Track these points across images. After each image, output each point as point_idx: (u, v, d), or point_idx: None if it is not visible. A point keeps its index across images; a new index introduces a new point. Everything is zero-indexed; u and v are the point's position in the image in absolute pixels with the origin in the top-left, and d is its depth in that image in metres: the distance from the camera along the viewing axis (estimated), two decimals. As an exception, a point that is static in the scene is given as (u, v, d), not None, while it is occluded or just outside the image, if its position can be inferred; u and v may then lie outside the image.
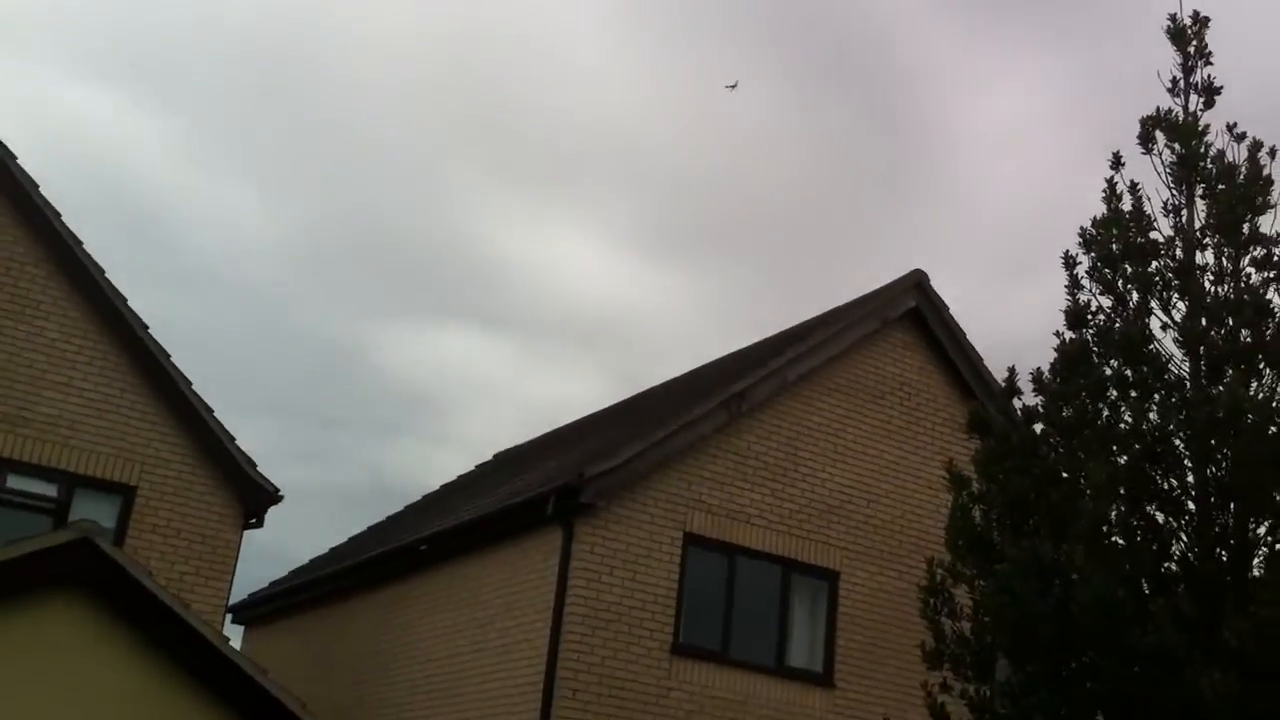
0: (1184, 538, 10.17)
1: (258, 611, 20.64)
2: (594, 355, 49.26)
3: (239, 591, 18.06)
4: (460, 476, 22.94)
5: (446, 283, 48.52)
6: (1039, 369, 11.03)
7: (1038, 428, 11.02)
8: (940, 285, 17.09)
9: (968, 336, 17.14)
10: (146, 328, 14.02)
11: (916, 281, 17.18)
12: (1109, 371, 10.77)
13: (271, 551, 29.85)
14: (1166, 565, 10.16)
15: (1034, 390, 10.99)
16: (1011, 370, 11.42)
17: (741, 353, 18.89)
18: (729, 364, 18.48)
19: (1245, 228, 10.85)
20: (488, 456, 23.74)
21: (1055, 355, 10.99)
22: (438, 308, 50.31)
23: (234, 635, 20.18)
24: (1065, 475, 10.36)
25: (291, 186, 47.63)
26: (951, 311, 17.12)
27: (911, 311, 17.10)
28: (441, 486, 22.80)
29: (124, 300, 14.00)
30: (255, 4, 43.24)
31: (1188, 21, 11.77)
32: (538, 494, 14.38)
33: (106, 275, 14.00)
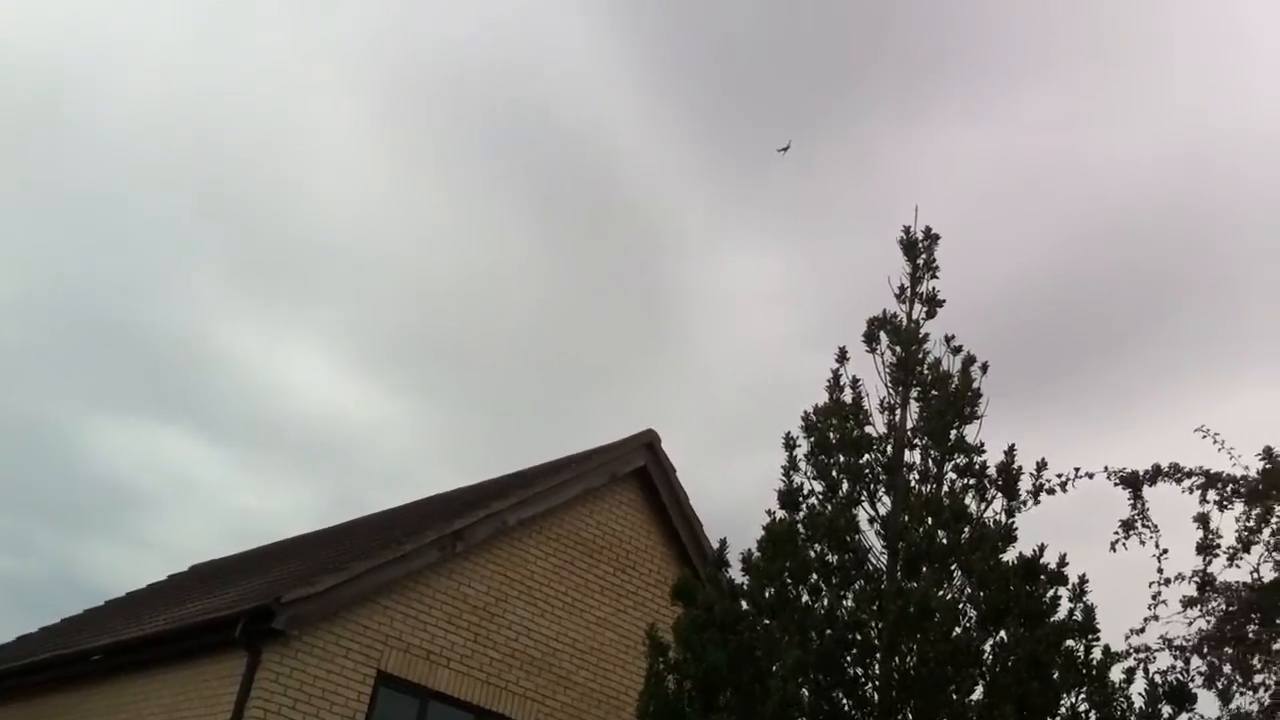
0: (866, 727, 10.37)
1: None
2: (313, 473, 47.72)
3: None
4: (152, 585, 21.54)
5: (169, 379, 46.28)
6: (749, 549, 11.20)
7: (743, 603, 11.13)
8: (674, 444, 17.37)
9: (691, 502, 17.39)
10: None
11: (648, 441, 17.39)
12: (813, 555, 11.03)
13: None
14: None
15: (741, 568, 11.14)
16: (723, 542, 11.57)
17: (464, 490, 18.59)
18: (450, 500, 18.14)
19: (952, 434, 11.43)
20: (185, 567, 22.44)
21: (764, 533, 11.20)
22: (157, 404, 47.85)
23: None
24: (759, 654, 10.45)
25: (10, 256, 44.81)
26: (679, 475, 17.38)
27: (640, 470, 17.26)
28: (128, 594, 21.33)
29: None
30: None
31: (920, 235, 12.54)
32: (227, 614, 13.57)
33: None
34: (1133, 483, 10.34)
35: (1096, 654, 10.27)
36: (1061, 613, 10.52)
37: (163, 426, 45.73)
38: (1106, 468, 10.80)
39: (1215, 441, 9.82)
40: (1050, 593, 10.58)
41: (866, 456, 11.51)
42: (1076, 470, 10.90)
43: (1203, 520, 9.86)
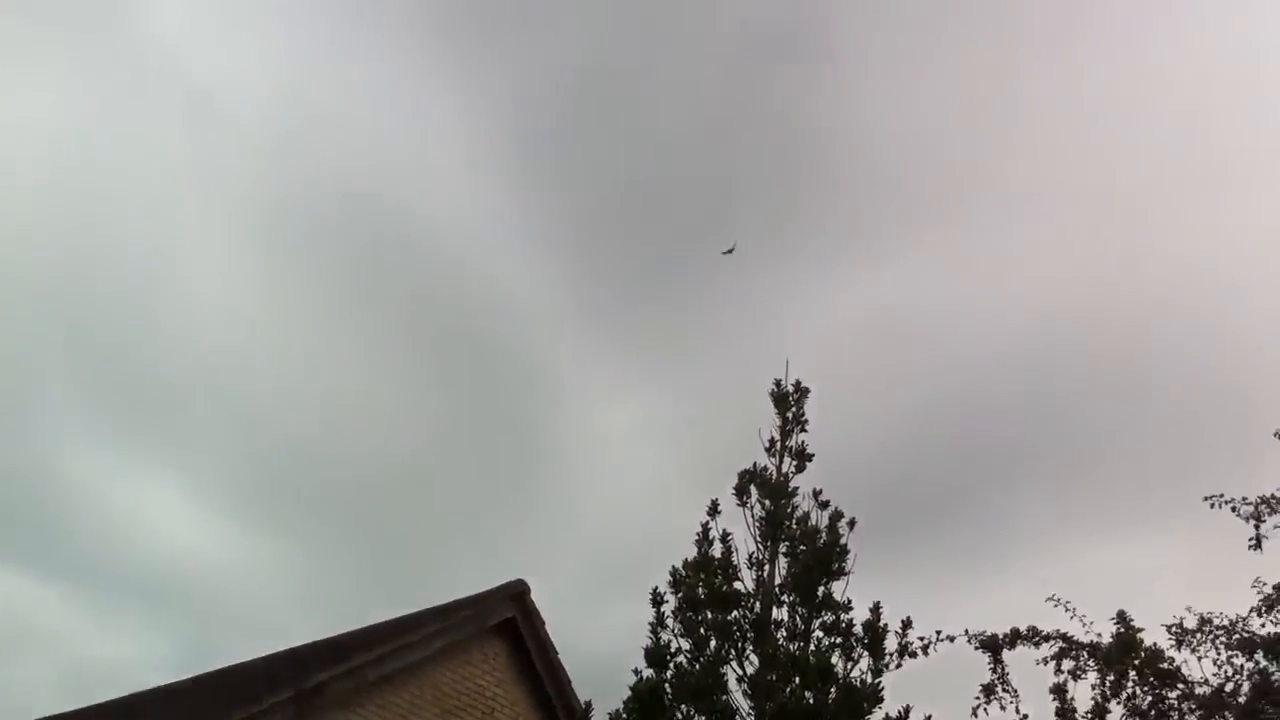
0: None
1: None
2: (167, 618, 45.49)
3: None
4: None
5: (6, 514, 43.96)
6: (616, 709, 10.93)
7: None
8: (544, 592, 16.97)
9: (560, 655, 16.94)
10: None
11: (517, 592, 16.93)
12: (680, 716, 10.80)
13: None
14: None
15: (606, 731, 10.85)
16: (588, 705, 11.28)
17: (325, 642, 17.89)
18: (310, 652, 17.42)
19: (820, 591, 11.38)
20: (23, 721, 21.11)
21: (630, 693, 10.96)
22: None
23: None
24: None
25: None
26: (549, 626, 16.95)
27: (509, 621, 16.80)
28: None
29: None
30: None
31: (790, 389, 12.66)
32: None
33: None
34: (992, 646, 10.35)
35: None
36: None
37: None
38: (967, 631, 10.79)
39: (1067, 610, 9.93)
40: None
41: (735, 613, 11.42)
42: (938, 633, 10.86)
43: (1059, 691, 9.90)
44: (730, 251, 19.11)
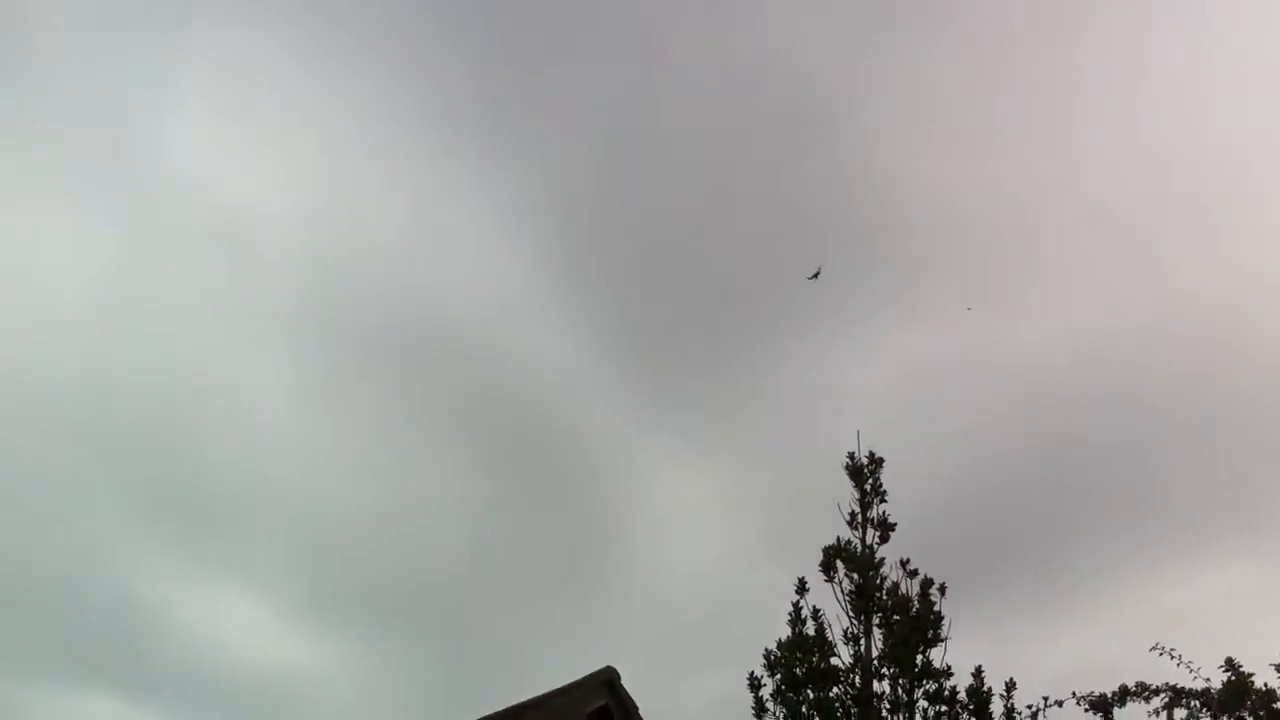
0: None
1: None
2: (258, 729, 45.83)
3: None
4: None
5: (89, 639, 44.41)
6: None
7: None
8: (627, 672, 16.98)
9: (652, 738, 16.93)
10: None
11: (607, 679, 16.99)
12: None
13: None
14: None
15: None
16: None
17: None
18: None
19: (918, 660, 11.38)
20: None
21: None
22: (77, 668, 45.78)
23: None
24: None
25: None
26: (641, 711, 16.96)
27: (602, 710, 16.83)
28: None
29: None
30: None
31: (865, 460, 12.74)
32: None
33: None
34: (1102, 706, 10.33)
35: None
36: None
37: (84, 693, 43.87)
38: (1074, 693, 10.77)
39: (1173, 658, 9.92)
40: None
41: (836, 690, 11.42)
42: (1045, 700, 10.84)
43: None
44: (816, 276, 18.69)
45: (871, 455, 12.77)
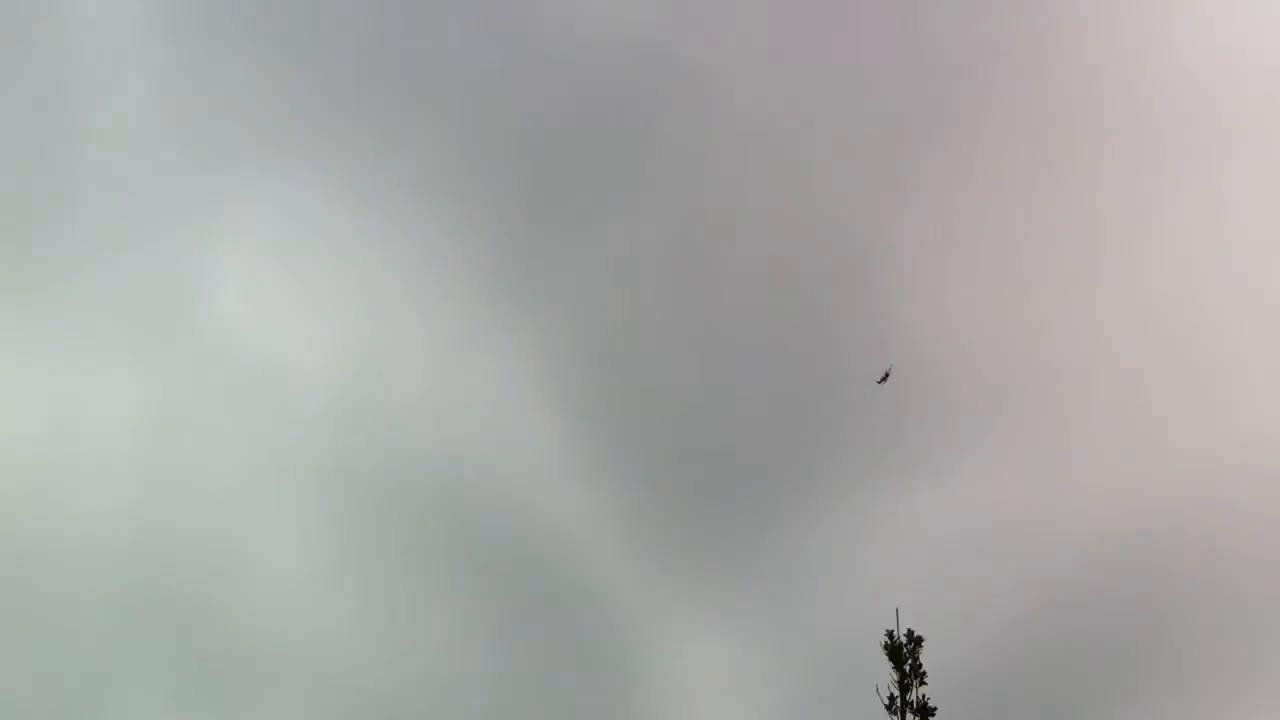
0: None
1: None
2: None
3: None
4: None
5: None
6: None
7: None
8: None
9: None
10: None
11: None
12: None
13: None
14: None
15: None
16: None
17: None
18: None
19: None
20: None
21: None
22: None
23: None
24: None
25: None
26: None
27: None
28: None
29: None
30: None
31: (904, 639, 12.28)
32: None
33: None
34: None
35: None
36: None
37: None
38: None
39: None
40: None
41: None
42: None
43: None
44: (885, 379, 18.00)
45: (910, 634, 12.33)
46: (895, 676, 12.19)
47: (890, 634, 12.37)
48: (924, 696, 12.04)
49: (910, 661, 12.21)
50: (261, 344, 36.04)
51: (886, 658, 12.30)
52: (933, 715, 11.88)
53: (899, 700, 12.03)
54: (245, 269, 36.84)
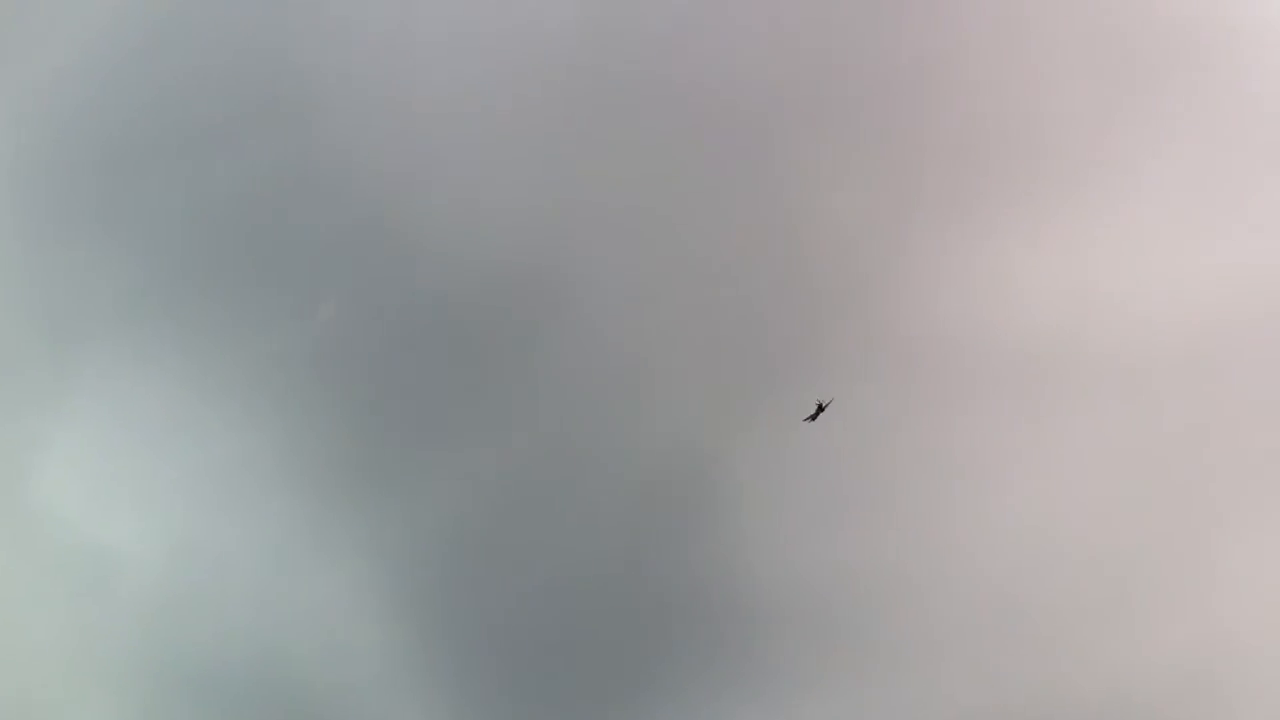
0: None
1: None
2: None
3: None
4: None
5: None
6: None
7: None
8: None
9: None
10: None
11: None
12: None
13: None
14: None
15: None
16: None
17: None
18: None
19: None
20: None
21: None
22: None
23: None
24: None
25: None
26: None
27: None
28: None
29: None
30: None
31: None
32: None
33: None
34: None
35: None
36: None
37: None
38: None
39: None
40: None
41: None
42: None
43: None
44: (816, 416, 16.65)
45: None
46: None
47: None
48: None
49: None
50: (88, 530, 34.40)
51: None
52: None
53: None
54: (80, 454, 35.50)
